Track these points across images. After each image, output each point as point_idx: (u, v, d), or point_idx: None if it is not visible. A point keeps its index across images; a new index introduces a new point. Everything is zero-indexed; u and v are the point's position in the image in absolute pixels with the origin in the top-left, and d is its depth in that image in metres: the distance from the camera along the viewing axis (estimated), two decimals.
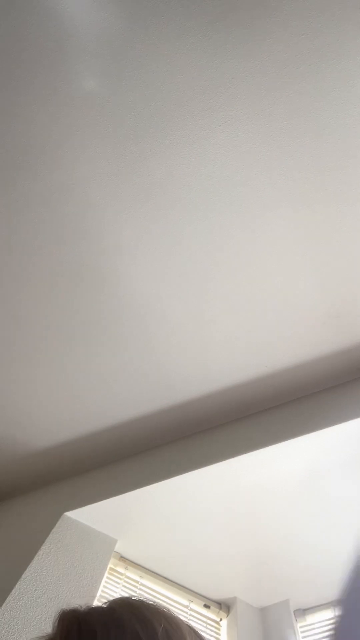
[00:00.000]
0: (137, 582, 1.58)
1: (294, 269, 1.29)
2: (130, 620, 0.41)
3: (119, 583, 1.53)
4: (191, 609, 1.63)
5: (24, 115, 1.05)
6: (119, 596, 0.50)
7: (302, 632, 1.58)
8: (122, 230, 1.22)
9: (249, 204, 1.17)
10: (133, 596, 0.48)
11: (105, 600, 0.47)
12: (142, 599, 0.47)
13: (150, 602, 0.46)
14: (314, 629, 1.58)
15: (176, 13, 0.92)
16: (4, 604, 1.13)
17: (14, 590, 1.17)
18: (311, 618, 1.62)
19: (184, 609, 1.61)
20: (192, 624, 0.47)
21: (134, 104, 1.03)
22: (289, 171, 1.12)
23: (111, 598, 0.48)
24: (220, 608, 1.69)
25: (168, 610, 0.46)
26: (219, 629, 1.63)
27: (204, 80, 1.00)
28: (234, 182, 1.14)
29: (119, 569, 1.57)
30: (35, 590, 1.21)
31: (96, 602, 1.32)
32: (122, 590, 1.51)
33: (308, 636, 1.56)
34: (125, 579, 1.55)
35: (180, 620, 0.45)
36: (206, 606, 1.67)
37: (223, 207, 1.18)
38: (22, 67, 0.99)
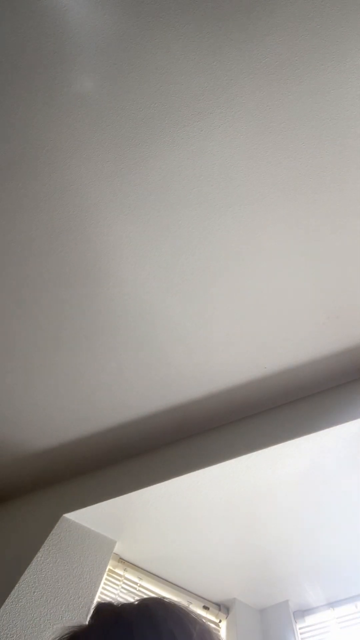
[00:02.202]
0: (137, 583, 1.58)
1: (293, 270, 1.29)
2: (165, 620, 0.41)
3: (118, 585, 1.52)
4: None
5: (23, 117, 1.05)
6: (153, 596, 0.50)
7: (301, 633, 1.58)
8: (122, 231, 1.22)
9: (248, 204, 1.17)
10: (166, 598, 0.48)
11: (139, 598, 0.47)
12: (174, 601, 0.48)
13: (183, 606, 0.47)
14: (313, 630, 1.58)
15: (174, 15, 0.92)
16: (2, 606, 1.13)
17: (12, 592, 1.17)
18: (311, 619, 1.62)
19: None
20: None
21: (133, 105, 1.03)
22: (288, 172, 1.12)
23: (144, 596, 0.48)
24: (220, 609, 1.69)
25: (200, 616, 0.46)
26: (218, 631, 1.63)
27: (202, 81, 1.00)
28: (233, 183, 1.14)
29: (118, 570, 1.57)
30: (34, 592, 1.20)
31: (94, 604, 1.31)
32: (121, 592, 1.51)
33: (307, 637, 1.56)
34: (125, 581, 1.55)
35: (212, 627, 0.46)
36: (205, 607, 1.67)
37: (223, 207, 1.18)
38: (21, 69, 0.99)
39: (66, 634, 0.42)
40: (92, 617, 0.43)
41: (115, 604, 0.46)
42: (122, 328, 1.41)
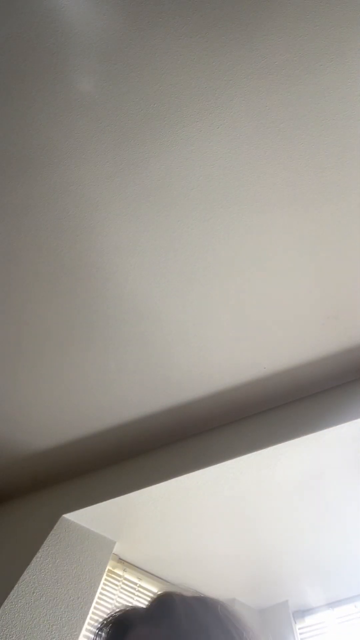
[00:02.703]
0: (136, 584, 1.58)
1: (293, 270, 1.29)
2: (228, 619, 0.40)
3: (117, 585, 1.52)
4: None
5: (24, 118, 1.05)
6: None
7: (301, 633, 1.58)
8: (122, 231, 1.22)
9: (248, 205, 1.17)
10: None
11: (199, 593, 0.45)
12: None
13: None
14: (312, 630, 1.58)
15: (174, 15, 0.92)
16: (2, 607, 1.13)
17: (12, 593, 1.17)
18: (310, 619, 1.62)
19: None
20: None
21: (133, 105, 1.03)
22: (288, 173, 1.12)
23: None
24: None
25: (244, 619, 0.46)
26: None
27: (202, 82, 1.00)
28: (233, 184, 1.14)
29: (117, 571, 1.57)
30: (33, 592, 1.20)
31: (95, 604, 1.31)
32: (120, 592, 1.51)
33: (307, 637, 1.56)
34: (124, 581, 1.55)
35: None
36: None
37: (222, 208, 1.18)
38: (22, 70, 0.99)
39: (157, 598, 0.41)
40: (154, 601, 0.42)
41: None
42: (121, 328, 1.41)
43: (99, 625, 0.42)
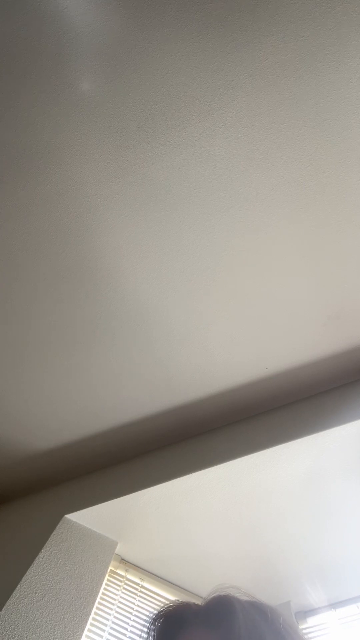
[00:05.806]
0: (138, 584, 1.58)
1: (294, 270, 1.29)
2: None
3: (119, 586, 1.52)
4: None
5: (25, 119, 1.05)
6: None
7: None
8: (123, 232, 1.22)
9: (249, 205, 1.17)
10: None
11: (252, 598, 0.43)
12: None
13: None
14: (315, 631, 1.58)
15: (175, 16, 0.92)
16: (4, 607, 1.13)
17: (14, 593, 1.17)
18: (312, 620, 1.62)
19: None
20: None
21: (134, 106, 1.04)
22: (289, 173, 1.12)
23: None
24: None
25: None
26: None
27: (203, 82, 1.00)
28: (235, 184, 1.14)
29: (119, 571, 1.57)
30: (35, 592, 1.20)
31: (97, 605, 1.31)
32: (122, 592, 1.51)
33: (309, 638, 1.55)
34: (126, 582, 1.55)
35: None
36: None
37: (223, 208, 1.18)
38: (22, 71, 0.99)
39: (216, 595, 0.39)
40: (213, 599, 0.40)
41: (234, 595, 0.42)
42: (123, 329, 1.41)
43: (151, 619, 0.41)
